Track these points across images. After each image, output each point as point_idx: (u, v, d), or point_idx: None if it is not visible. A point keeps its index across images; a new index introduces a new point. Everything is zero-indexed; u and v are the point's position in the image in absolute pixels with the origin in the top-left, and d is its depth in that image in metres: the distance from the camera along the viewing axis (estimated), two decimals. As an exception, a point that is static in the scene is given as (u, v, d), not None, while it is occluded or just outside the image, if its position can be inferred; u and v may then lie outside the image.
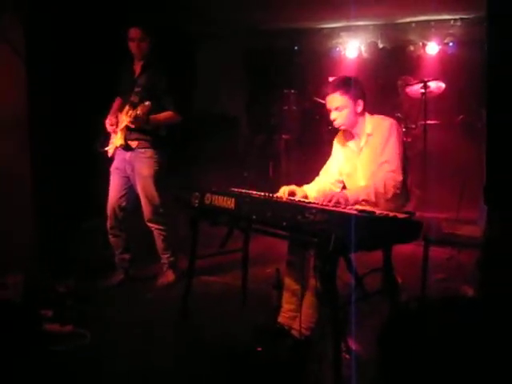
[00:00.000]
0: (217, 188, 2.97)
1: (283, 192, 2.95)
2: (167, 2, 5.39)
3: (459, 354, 1.83)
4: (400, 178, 2.85)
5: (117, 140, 3.86)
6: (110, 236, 3.99)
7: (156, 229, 3.98)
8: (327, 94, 2.98)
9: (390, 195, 2.81)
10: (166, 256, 4.02)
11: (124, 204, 3.95)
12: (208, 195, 2.92)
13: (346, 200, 2.72)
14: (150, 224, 3.97)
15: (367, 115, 3.03)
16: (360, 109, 2.97)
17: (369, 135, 2.99)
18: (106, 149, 3.98)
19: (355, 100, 2.94)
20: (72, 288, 3.70)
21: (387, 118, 3.03)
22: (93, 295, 3.71)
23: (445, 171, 5.76)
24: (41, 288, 3.59)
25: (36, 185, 4.16)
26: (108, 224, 3.97)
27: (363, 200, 2.78)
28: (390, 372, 2.05)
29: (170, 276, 4.01)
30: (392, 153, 2.88)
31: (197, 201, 2.99)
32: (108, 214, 3.95)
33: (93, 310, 3.46)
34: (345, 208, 2.56)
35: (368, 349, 2.70)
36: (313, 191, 3.12)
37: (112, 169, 3.98)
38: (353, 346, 2.68)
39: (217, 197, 2.86)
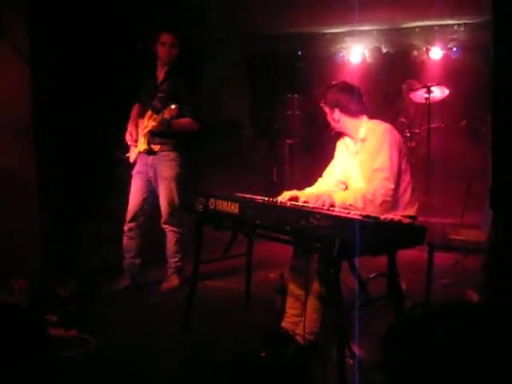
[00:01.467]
0: (221, 193, 2.97)
1: (284, 197, 2.95)
2: (170, 8, 5.41)
3: (464, 359, 1.83)
4: (392, 186, 2.82)
5: (140, 145, 3.89)
6: (126, 238, 3.98)
7: (171, 230, 3.99)
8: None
9: (378, 202, 2.79)
10: (174, 260, 4.02)
11: (145, 207, 3.97)
12: (212, 200, 2.92)
13: (332, 203, 2.72)
14: (165, 226, 3.99)
15: (365, 120, 3.03)
16: (337, 116, 3.03)
17: (362, 140, 2.99)
18: (128, 155, 4.00)
19: (331, 109, 3.05)
20: (76, 292, 3.70)
21: (382, 123, 3.01)
22: (97, 299, 3.71)
23: (449, 176, 5.75)
24: (45, 292, 3.59)
25: (41, 188, 4.17)
26: (126, 226, 3.97)
27: (350, 205, 2.76)
28: (394, 377, 2.05)
29: (174, 281, 4.00)
30: (385, 160, 2.85)
31: (201, 205, 2.99)
32: (128, 216, 3.95)
33: (97, 315, 3.46)
34: (348, 212, 2.56)
35: (372, 354, 2.69)
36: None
37: (134, 173, 4.00)
38: (356, 350, 2.67)
39: (221, 202, 2.86)
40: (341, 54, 7.56)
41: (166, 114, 3.64)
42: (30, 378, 2.52)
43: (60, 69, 4.41)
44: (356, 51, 7.46)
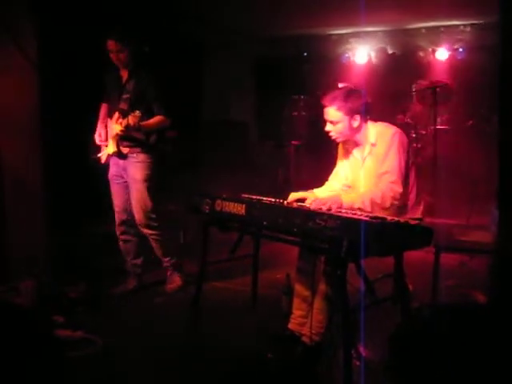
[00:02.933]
0: (227, 194, 2.97)
1: (291, 199, 2.95)
2: (178, 12, 5.43)
3: (471, 361, 1.82)
4: (400, 189, 2.79)
5: (109, 148, 3.88)
6: (121, 242, 3.98)
7: (150, 234, 3.90)
8: (324, 106, 2.96)
9: (387, 206, 2.76)
10: (166, 259, 3.98)
11: (130, 209, 3.95)
12: (219, 201, 2.92)
13: (340, 206, 2.69)
14: (142, 229, 3.89)
15: (370, 123, 2.97)
16: (356, 123, 2.90)
17: (373, 145, 2.94)
18: (99, 155, 3.99)
19: (351, 115, 2.88)
20: (83, 294, 3.71)
21: (391, 127, 2.96)
22: (104, 301, 3.72)
23: (455, 177, 5.73)
24: (52, 294, 3.60)
25: (48, 190, 4.18)
26: (118, 231, 3.96)
27: (358, 208, 2.72)
28: (401, 379, 2.04)
29: (177, 280, 3.98)
30: (393, 163, 2.82)
31: (208, 207, 2.99)
32: (117, 221, 3.94)
33: (104, 316, 3.48)
34: (355, 213, 2.56)
35: (378, 355, 2.69)
36: (323, 195, 3.10)
37: (110, 176, 3.97)
38: (363, 352, 2.67)
39: (227, 203, 2.87)
40: (346, 55, 7.56)
41: (130, 121, 3.62)
42: (33, 378, 2.53)
43: (66, 70, 4.42)
44: (362, 52, 7.46)
